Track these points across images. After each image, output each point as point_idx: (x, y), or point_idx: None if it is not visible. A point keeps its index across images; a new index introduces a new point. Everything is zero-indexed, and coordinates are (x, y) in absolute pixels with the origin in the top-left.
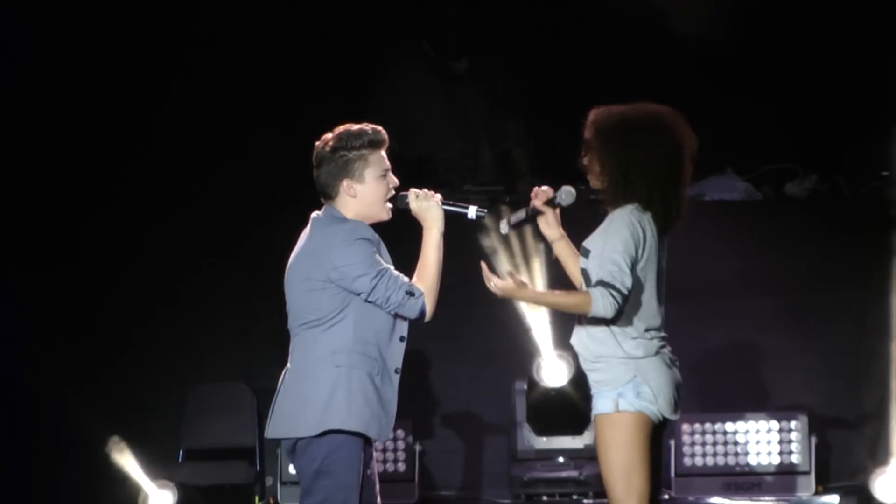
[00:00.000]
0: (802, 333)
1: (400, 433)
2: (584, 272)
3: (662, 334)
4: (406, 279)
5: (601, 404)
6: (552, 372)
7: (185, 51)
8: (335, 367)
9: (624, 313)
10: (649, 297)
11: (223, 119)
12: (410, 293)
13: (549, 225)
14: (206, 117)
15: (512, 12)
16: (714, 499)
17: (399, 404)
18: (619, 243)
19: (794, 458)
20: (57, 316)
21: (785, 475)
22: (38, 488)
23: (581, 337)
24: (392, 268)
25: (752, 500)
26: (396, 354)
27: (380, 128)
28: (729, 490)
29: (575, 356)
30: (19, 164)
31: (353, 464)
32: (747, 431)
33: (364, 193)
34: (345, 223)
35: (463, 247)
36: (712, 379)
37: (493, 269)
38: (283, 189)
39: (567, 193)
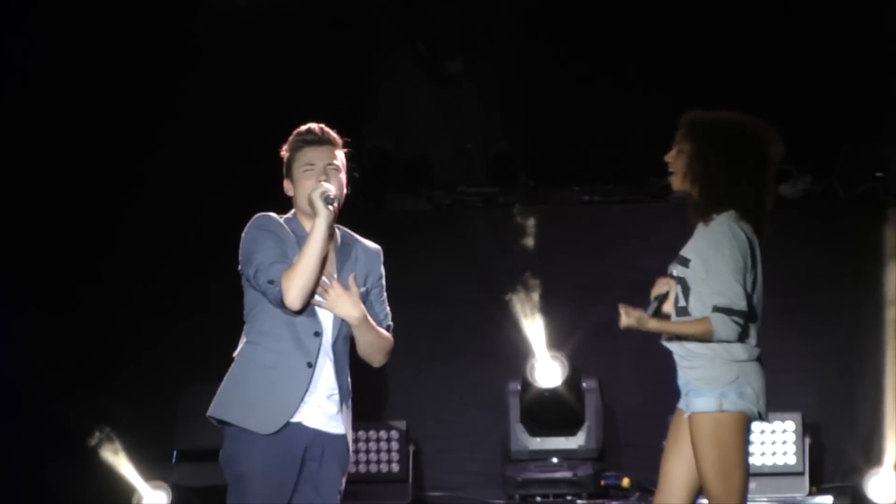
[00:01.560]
0: (796, 334)
1: (394, 434)
2: (682, 280)
3: (758, 340)
4: (279, 268)
5: (701, 402)
6: (546, 373)
7: (192, 56)
8: (236, 358)
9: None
10: (756, 304)
11: (219, 122)
12: (270, 282)
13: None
14: (204, 118)
15: (507, 11)
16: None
17: (392, 405)
18: (730, 261)
19: (788, 459)
20: (51, 316)
21: (779, 476)
22: (31, 489)
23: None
24: (285, 259)
25: None
26: (308, 348)
27: (313, 127)
28: None
29: (568, 357)
30: (19, 165)
31: (238, 456)
32: None
33: (295, 192)
34: (256, 216)
35: (459, 248)
36: None
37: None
38: (276, 190)
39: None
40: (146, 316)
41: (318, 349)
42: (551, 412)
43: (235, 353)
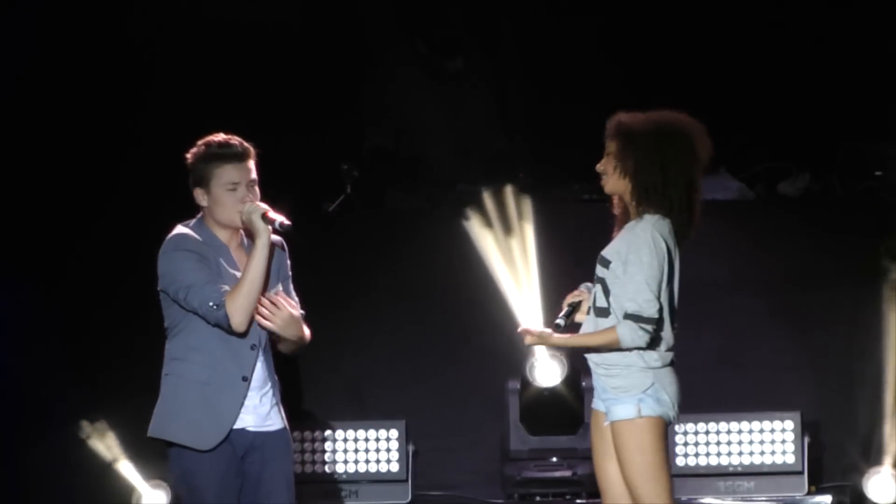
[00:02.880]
0: (795, 333)
1: (393, 433)
2: (603, 281)
3: (674, 343)
4: (221, 289)
5: (622, 410)
6: (545, 372)
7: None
8: (165, 376)
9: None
10: (669, 311)
11: (216, 125)
12: (216, 305)
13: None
14: (200, 117)
15: (507, 10)
16: (706, 499)
17: (391, 404)
18: (646, 268)
19: (787, 458)
20: (51, 313)
21: (777, 475)
22: (27, 488)
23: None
24: (210, 280)
25: (744, 500)
26: (243, 362)
27: (234, 141)
28: (721, 490)
29: (568, 356)
30: (19, 161)
31: (187, 474)
32: (740, 431)
33: (211, 204)
34: (174, 234)
35: (454, 249)
36: (704, 379)
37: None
38: (267, 189)
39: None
40: (150, 313)
41: (255, 361)
42: (551, 411)
43: (164, 372)
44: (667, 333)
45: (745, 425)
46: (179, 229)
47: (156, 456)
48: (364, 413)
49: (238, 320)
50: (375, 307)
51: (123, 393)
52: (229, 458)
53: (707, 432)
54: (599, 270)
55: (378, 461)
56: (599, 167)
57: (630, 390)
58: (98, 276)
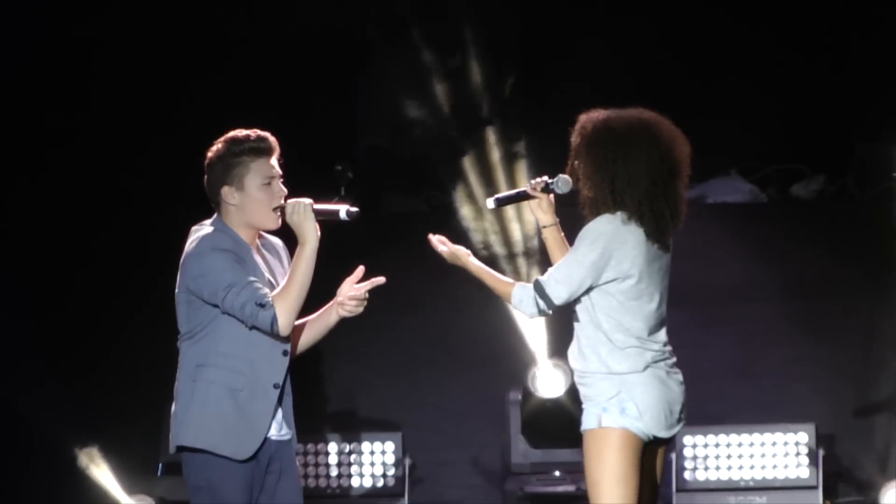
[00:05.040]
0: (809, 341)
1: (389, 446)
2: None
3: (657, 347)
4: (265, 291)
5: (586, 419)
6: (548, 381)
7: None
8: (192, 382)
9: (605, 327)
10: (637, 309)
11: (207, 119)
12: (261, 305)
13: (543, 210)
14: (196, 116)
15: (510, 4)
16: None
17: (387, 415)
18: (578, 252)
19: (801, 472)
20: (34, 321)
21: (791, 490)
22: (10, 501)
23: (573, 352)
24: (254, 279)
25: None
26: (275, 369)
27: (267, 135)
28: None
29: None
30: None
31: (218, 483)
32: (752, 444)
33: (244, 201)
34: (205, 234)
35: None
36: (715, 389)
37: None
38: None
39: (563, 182)
40: (132, 319)
41: (286, 368)
42: (554, 423)
43: (189, 378)
44: (635, 328)
45: (757, 438)
46: (206, 230)
47: (141, 469)
48: (358, 424)
49: (285, 322)
50: (370, 315)
51: (104, 402)
52: (255, 470)
53: (717, 445)
54: None
55: (373, 475)
56: (567, 169)
57: (593, 399)
58: (78, 279)
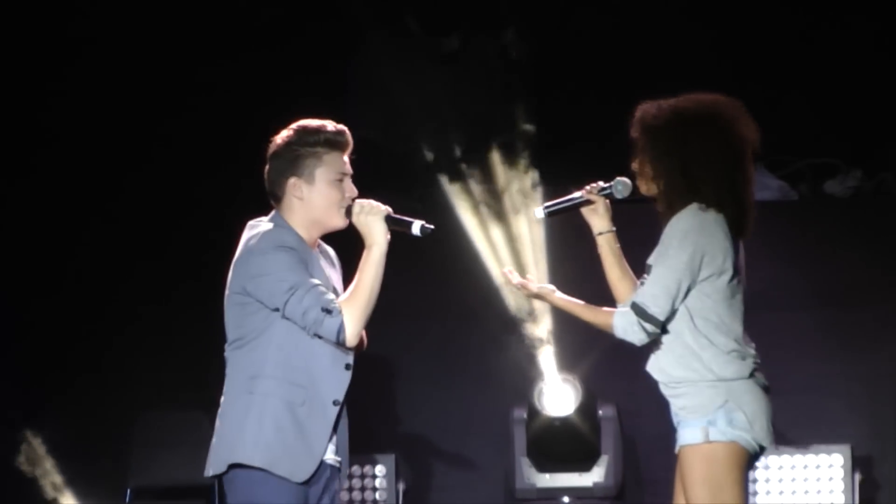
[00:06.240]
0: (845, 354)
1: (380, 469)
2: None
3: (752, 353)
4: (331, 296)
5: (688, 434)
6: (556, 398)
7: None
8: (248, 395)
9: (705, 331)
10: (736, 308)
11: (209, 128)
12: (328, 311)
13: (600, 216)
14: (193, 114)
15: None
16: None
17: (379, 436)
18: (668, 260)
19: (835, 497)
20: None
21: None
22: None
23: (659, 362)
24: (319, 283)
25: None
26: (336, 384)
27: (344, 128)
28: None
29: (582, 381)
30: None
31: None
32: (781, 467)
33: (312, 196)
34: (268, 230)
35: (451, 260)
36: None
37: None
38: (246, 197)
39: (623, 185)
40: (100, 333)
41: (347, 383)
42: (562, 444)
43: (243, 390)
44: (732, 329)
45: (786, 460)
46: (267, 226)
47: (107, 495)
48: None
49: (353, 331)
50: None
51: (68, 423)
52: (307, 493)
53: None
54: (643, 280)
55: (363, 501)
56: (634, 166)
57: (697, 410)
58: (41, 294)
